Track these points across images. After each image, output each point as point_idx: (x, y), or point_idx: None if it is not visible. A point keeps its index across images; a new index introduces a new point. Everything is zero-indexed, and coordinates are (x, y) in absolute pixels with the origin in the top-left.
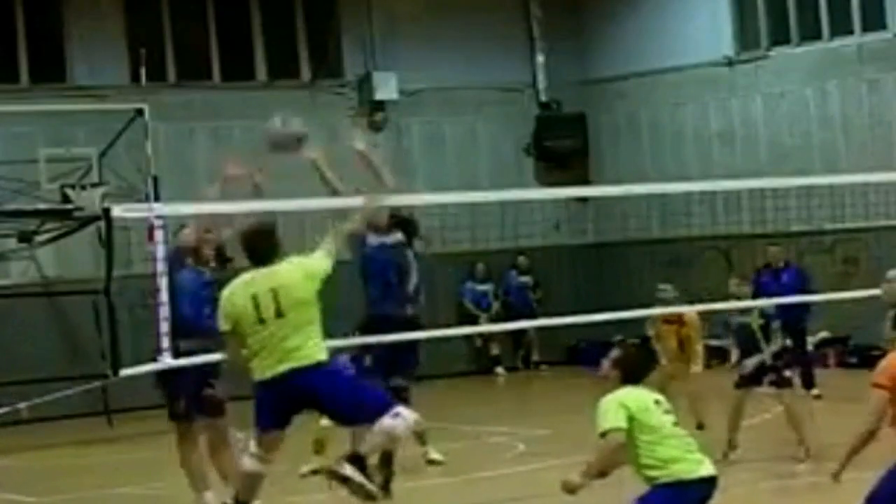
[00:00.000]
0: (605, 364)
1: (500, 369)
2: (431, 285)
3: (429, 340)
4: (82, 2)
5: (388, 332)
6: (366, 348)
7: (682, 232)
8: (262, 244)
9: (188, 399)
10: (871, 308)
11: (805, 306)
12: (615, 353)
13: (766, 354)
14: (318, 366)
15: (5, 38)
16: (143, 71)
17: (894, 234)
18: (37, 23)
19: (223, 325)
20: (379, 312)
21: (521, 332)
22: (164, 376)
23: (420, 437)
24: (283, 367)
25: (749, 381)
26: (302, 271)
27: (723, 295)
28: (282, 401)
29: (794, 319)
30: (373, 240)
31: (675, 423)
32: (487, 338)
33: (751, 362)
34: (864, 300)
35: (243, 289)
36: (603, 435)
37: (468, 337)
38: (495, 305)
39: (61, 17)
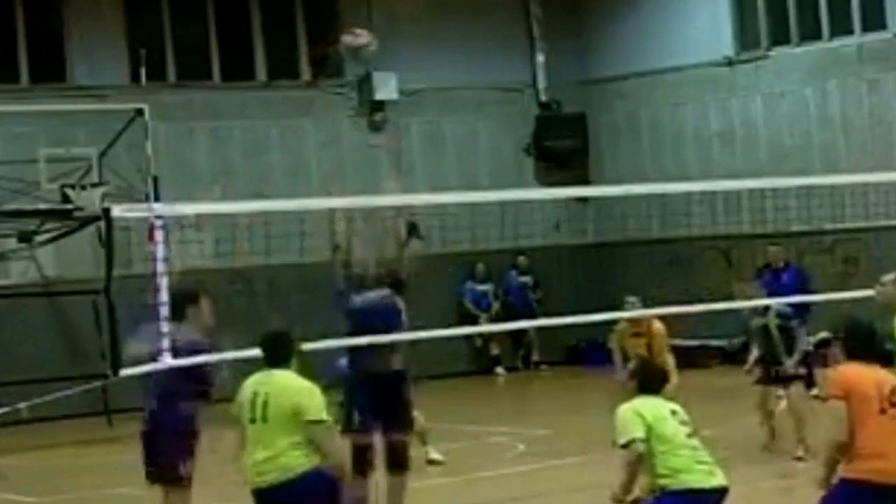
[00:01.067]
0: (624, 375)
1: (500, 369)
2: (431, 285)
3: (429, 340)
4: (82, 2)
5: (376, 389)
6: (355, 405)
7: (682, 232)
8: (275, 348)
9: (193, 458)
10: (871, 308)
11: (805, 306)
12: (633, 364)
13: (795, 358)
14: (295, 480)
15: (5, 38)
16: (143, 71)
17: (894, 234)
18: (37, 23)
19: (233, 411)
20: (364, 369)
21: (521, 332)
22: (160, 437)
23: (420, 437)
24: (258, 482)
25: (774, 380)
26: (295, 401)
27: (723, 295)
28: None
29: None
30: (357, 299)
31: (690, 434)
32: (487, 338)
33: (790, 362)
34: (864, 300)
35: (250, 385)
36: (624, 446)
37: (468, 337)
38: (495, 305)
39: (61, 17)
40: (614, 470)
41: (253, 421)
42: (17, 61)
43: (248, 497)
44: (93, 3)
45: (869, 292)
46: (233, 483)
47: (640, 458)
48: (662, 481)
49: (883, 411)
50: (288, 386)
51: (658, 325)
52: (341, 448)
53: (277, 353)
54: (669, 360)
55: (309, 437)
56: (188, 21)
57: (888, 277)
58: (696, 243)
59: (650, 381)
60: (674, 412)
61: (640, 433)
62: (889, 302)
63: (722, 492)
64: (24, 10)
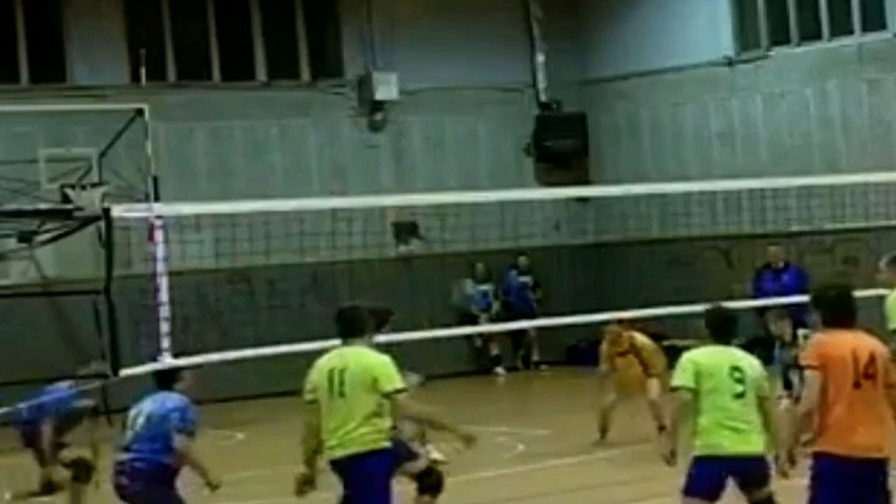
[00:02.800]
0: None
1: (500, 369)
2: (431, 285)
3: (429, 340)
4: (82, 2)
5: None
6: None
7: (682, 232)
8: (350, 322)
9: None
10: (871, 308)
11: (805, 306)
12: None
13: None
14: (366, 455)
15: (5, 38)
16: (143, 71)
17: (894, 234)
18: (37, 23)
19: (306, 395)
20: None
21: (521, 332)
22: None
23: (421, 436)
24: (340, 453)
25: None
26: (371, 374)
27: (723, 295)
28: (344, 485)
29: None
30: None
31: (740, 395)
32: (487, 338)
33: None
34: (864, 300)
35: (326, 362)
36: (673, 391)
37: (468, 337)
38: (495, 305)
39: (61, 17)
40: (613, 469)
41: (332, 397)
42: (17, 61)
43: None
44: (93, 3)
45: (869, 292)
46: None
47: (684, 406)
48: (695, 440)
49: (857, 385)
50: (362, 360)
51: (641, 338)
52: (425, 408)
53: (352, 327)
54: (659, 364)
55: (390, 409)
56: (188, 21)
57: (885, 260)
58: (696, 243)
59: (716, 329)
60: (735, 368)
61: (684, 381)
62: (889, 285)
63: (750, 459)
64: (24, 10)
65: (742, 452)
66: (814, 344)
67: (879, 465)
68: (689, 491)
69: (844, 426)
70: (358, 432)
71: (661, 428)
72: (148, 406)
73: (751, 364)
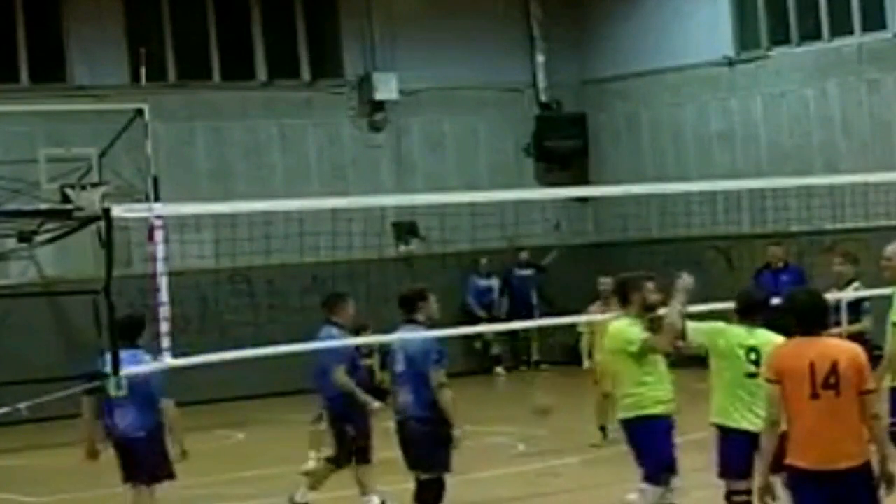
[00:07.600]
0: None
1: (500, 369)
2: (431, 285)
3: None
4: (82, 2)
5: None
6: None
7: (682, 232)
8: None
9: None
10: (871, 308)
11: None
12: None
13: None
14: (635, 421)
15: (5, 38)
16: (143, 71)
17: (894, 234)
18: (37, 23)
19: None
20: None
21: (522, 330)
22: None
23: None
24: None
25: None
26: (617, 336)
27: (723, 295)
28: None
29: None
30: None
31: (750, 375)
32: (488, 338)
33: None
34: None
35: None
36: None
37: (468, 337)
38: (503, 303)
39: (61, 17)
40: (613, 469)
41: None
42: (17, 61)
43: None
44: (93, 3)
45: (869, 292)
46: None
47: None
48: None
49: (815, 396)
50: (612, 330)
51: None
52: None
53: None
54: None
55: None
56: (188, 21)
57: (891, 249)
58: (696, 243)
59: (739, 306)
60: (752, 349)
61: (694, 335)
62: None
63: (750, 435)
64: (24, 10)
65: (747, 429)
66: (771, 357)
67: (850, 475)
68: None
69: (805, 439)
70: (627, 400)
71: None
72: None
73: (764, 347)
